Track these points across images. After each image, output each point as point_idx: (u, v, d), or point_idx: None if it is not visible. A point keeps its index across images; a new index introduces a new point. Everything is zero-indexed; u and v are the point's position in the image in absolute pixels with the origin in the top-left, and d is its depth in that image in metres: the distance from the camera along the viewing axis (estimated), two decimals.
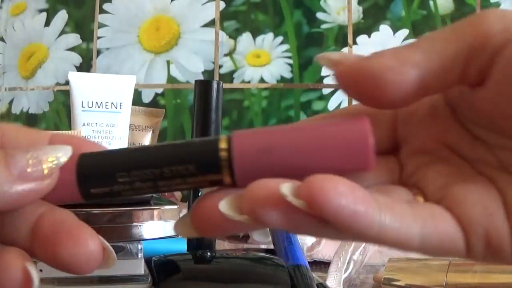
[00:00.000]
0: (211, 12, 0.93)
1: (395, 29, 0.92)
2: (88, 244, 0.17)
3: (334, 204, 0.14)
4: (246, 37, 0.93)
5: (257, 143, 0.17)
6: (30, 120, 0.94)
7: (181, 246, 0.51)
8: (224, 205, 0.16)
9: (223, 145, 0.17)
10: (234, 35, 0.93)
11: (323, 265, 0.53)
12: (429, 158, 0.19)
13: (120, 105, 0.61)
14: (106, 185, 0.18)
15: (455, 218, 0.17)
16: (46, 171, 0.17)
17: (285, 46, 0.93)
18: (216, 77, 0.92)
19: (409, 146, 0.20)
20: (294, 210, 0.15)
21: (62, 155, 0.17)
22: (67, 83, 0.73)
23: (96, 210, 0.34)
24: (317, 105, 0.92)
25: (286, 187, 0.15)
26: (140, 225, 0.39)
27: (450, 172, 0.18)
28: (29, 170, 0.17)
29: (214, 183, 0.18)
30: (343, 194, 0.15)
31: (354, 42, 0.92)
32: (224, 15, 0.93)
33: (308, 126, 0.18)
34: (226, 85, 0.90)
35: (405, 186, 0.19)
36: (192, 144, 0.18)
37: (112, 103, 0.60)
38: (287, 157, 0.17)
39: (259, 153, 0.17)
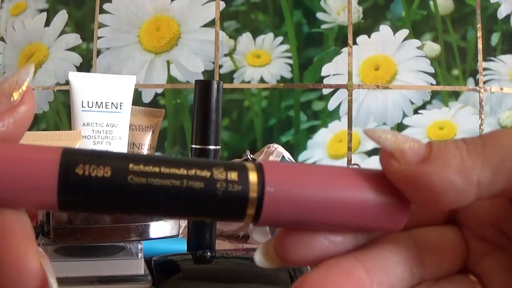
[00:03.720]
0: (211, 12, 0.93)
1: (395, 29, 0.92)
2: (25, 265, 0.14)
3: None
4: (246, 37, 0.93)
5: (288, 212, 0.16)
6: None
7: (181, 246, 0.51)
8: None
9: (251, 207, 0.15)
10: (234, 35, 0.93)
11: None
12: (490, 247, 0.17)
13: (120, 105, 0.61)
14: (95, 211, 0.15)
15: None
16: (13, 98, 0.15)
17: (285, 46, 0.93)
18: (216, 77, 0.92)
19: (469, 228, 0.18)
20: None
21: (24, 73, 0.16)
22: (67, 83, 0.73)
23: None
24: (317, 105, 0.92)
25: None
26: (140, 225, 0.39)
27: (510, 267, 0.17)
28: None
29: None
30: None
31: (354, 42, 0.92)
32: (224, 15, 0.93)
33: (343, 184, 0.16)
34: (226, 85, 0.90)
35: (470, 273, 0.17)
36: (215, 196, 0.15)
37: (112, 103, 0.60)
38: (315, 224, 0.16)
39: (288, 221, 0.16)
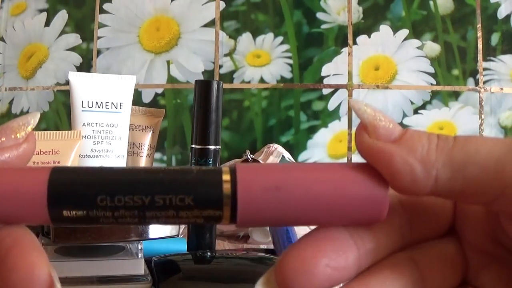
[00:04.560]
0: (211, 12, 0.93)
1: (395, 29, 0.92)
2: (33, 273, 0.15)
3: None
4: (246, 37, 0.93)
5: (265, 180, 0.16)
6: None
7: (181, 246, 0.51)
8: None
9: (226, 177, 0.16)
10: (234, 35, 0.93)
11: None
12: (488, 259, 0.18)
13: (120, 105, 0.61)
14: (82, 207, 0.16)
15: None
16: (19, 135, 0.17)
17: (285, 46, 0.93)
18: (216, 77, 0.92)
19: (467, 240, 0.18)
20: None
21: (31, 118, 0.18)
22: (67, 83, 0.73)
23: None
24: (317, 105, 0.92)
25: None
26: (140, 225, 0.39)
27: (508, 279, 0.17)
28: (2, 139, 0.17)
29: (210, 219, 0.16)
30: None
31: (354, 42, 0.92)
32: (224, 15, 0.93)
33: (320, 166, 0.16)
34: (226, 85, 0.90)
35: (470, 287, 0.18)
36: (191, 173, 0.16)
37: (112, 103, 0.60)
38: (295, 199, 0.16)
39: (266, 191, 0.16)
